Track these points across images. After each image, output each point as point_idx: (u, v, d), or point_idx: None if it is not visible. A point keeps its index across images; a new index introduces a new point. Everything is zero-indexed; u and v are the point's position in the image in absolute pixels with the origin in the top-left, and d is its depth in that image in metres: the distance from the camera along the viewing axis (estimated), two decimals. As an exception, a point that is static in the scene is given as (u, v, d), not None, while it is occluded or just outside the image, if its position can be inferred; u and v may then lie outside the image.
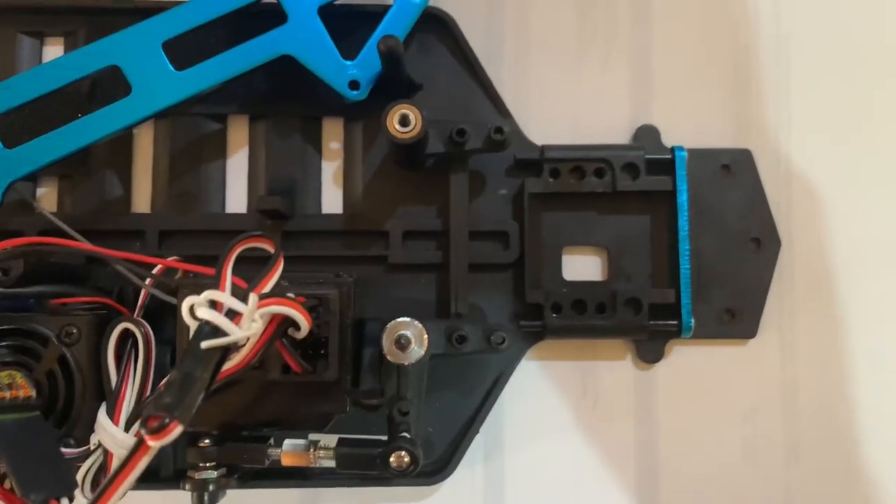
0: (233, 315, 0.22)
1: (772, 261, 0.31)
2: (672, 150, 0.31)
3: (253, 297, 0.22)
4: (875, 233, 0.31)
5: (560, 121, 0.32)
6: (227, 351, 0.22)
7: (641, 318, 0.30)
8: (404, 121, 0.27)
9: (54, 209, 0.31)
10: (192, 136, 0.31)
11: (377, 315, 0.30)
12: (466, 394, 0.30)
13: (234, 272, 0.23)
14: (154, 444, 0.20)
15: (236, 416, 0.27)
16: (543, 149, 0.31)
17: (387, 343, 0.26)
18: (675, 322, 0.30)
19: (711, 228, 0.31)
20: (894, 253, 0.31)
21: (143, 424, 0.20)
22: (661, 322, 0.30)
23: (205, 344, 0.21)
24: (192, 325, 0.22)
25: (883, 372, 0.31)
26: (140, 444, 0.21)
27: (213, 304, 0.22)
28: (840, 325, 0.31)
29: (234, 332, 0.21)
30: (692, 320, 0.30)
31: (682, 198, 0.30)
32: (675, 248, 0.31)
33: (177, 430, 0.20)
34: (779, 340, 0.31)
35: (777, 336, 0.31)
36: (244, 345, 0.23)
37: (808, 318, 0.31)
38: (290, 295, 0.24)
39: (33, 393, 0.25)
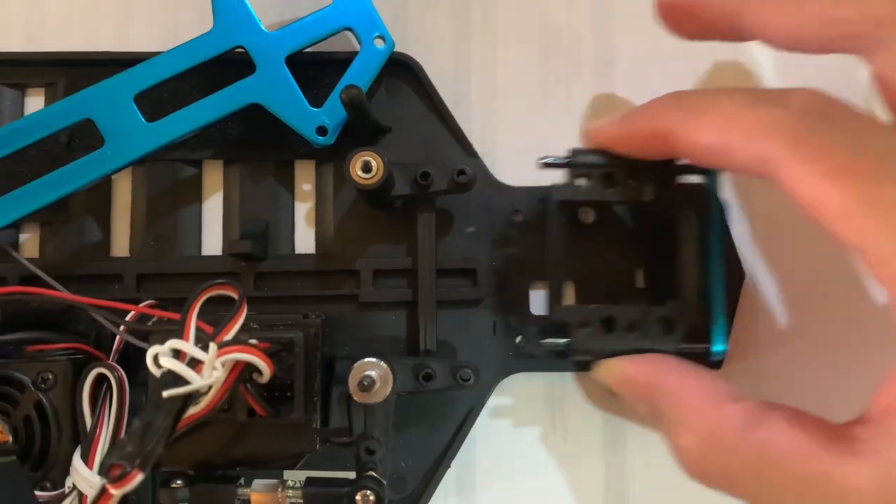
0: (195, 363, 0.23)
1: (736, 290, 0.31)
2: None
3: (213, 347, 0.23)
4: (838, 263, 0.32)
5: (526, 160, 0.32)
6: (188, 398, 0.22)
7: (674, 338, 0.27)
8: (366, 167, 0.28)
9: (36, 254, 0.32)
10: (168, 181, 0.32)
11: (349, 352, 0.31)
12: (438, 428, 0.31)
13: (213, 310, 0.24)
14: (116, 491, 0.21)
15: (209, 456, 0.27)
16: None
17: (352, 384, 0.27)
18: (705, 345, 0.28)
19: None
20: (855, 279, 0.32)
21: (105, 473, 0.21)
22: (693, 344, 0.28)
23: (166, 393, 0.22)
24: (157, 373, 0.23)
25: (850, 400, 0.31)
26: (103, 492, 0.22)
27: (177, 353, 0.23)
28: (805, 353, 0.31)
29: (196, 381, 0.22)
30: (726, 345, 0.28)
31: (717, 218, 0.29)
32: (706, 269, 0.29)
33: (138, 478, 0.21)
34: (745, 371, 0.31)
35: (743, 366, 0.31)
36: (208, 391, 0.24)
37: (774, 349, 0.32)
38: (253, 341, 0.24)
39: (10, 438, 0.26)
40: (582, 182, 0.28)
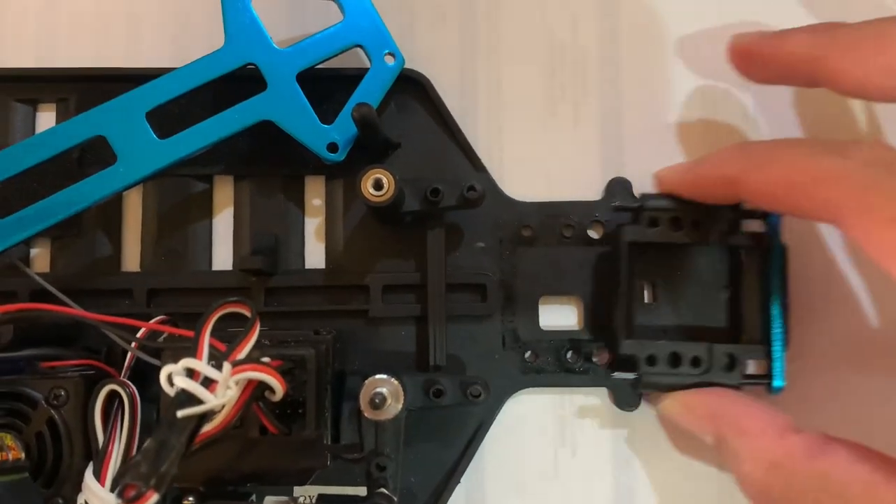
0: (209, 382, 0.23)
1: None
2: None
3: (227, 366, 0.23)
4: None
5: (534, 175, 0.33)
6: (203, 418, 0.23)
7: (735, 374, 0.29)
8: (378, 185, 0.28)
9: (47, 269, 0.32)
10: (179, 196, 0.32)
11: (359, 367, 0.31)
12: (448, 444, 0.31)
13: (224, 327, 0.24)
14: (131, 511, 0.21)
15: (220, 472, 0.27)
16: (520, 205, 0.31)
17: (363, 401, 0.27)
18: (766, 380, 0.29)
19: (687, 280, 0.31)
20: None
21: (120, 494, 0.21)
22: (755, 380, 0.30)
23: (181, 413, 0.22)
24: (171, 392, 0.23)
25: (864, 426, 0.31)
26: (118, 512, 0.22)
27: (191, 372, 0.23)
28: (857, 384, 0.31)
29: (210, 400, 0.22)
30: (783, 381, 0.29)
31: (778, 256, 0.30)
32: (767, 307, 0.30)
33: (153, 499, 0.21)
34: (800, 400, 0.31)
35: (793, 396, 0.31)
36: (221, 410, 0.24)
37: (825, 377, 0.31)
38: (265, 360, 0.25)
39: (22, 455, 0.26)
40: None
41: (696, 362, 0.29)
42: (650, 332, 0.31)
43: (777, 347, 0.29)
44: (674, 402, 0.29)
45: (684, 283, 0.31)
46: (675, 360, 0.29)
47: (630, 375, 0.30)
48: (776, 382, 0.29)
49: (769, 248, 0.30)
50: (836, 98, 0.27)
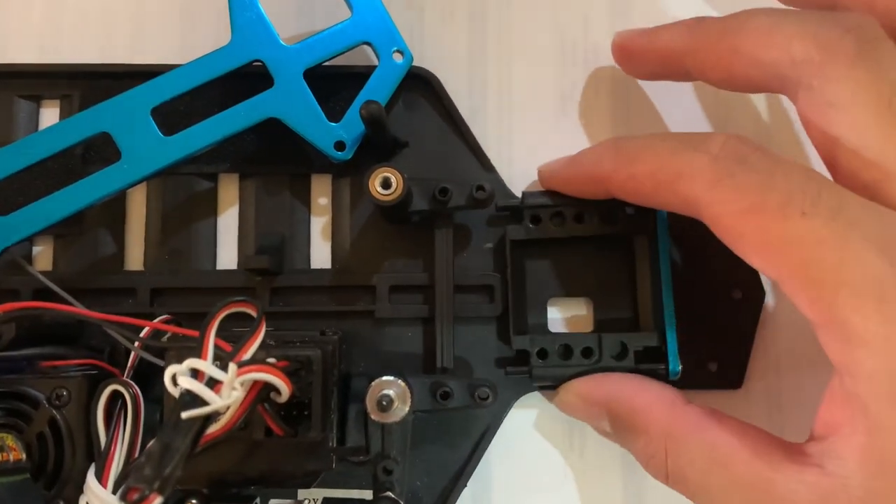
0: (214, 383, 0.22)
1: (756, 310, 0.31)
2: None
3: (232, 367, 0.22)
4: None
5: (544, 174, 0.32)
6: (208, 419, 0.22)
7: (627, 362, 0.29)
8: (386, 184, 0.28)
9: (50, 267, 0.32)
10: (183, 194, 0.32)
11: (365, 369, 0.31)
12: (454, 446, 0.31)
13: (228, 326, 0.24)
14: (134, 515, 0.20)
15: (224, 474, 0.27)
16: (524, 195, 0.31)
17: (370, 403, 0.27)
18: (662, 366, 0.30)
19: (694, 277, 0.31)
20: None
21: (123, 497, 0.20)
22: (648, 365, 0.30)
23: (185, 414, 0.22)
24: (175, 393, 0.23)
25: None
26: (121, 515, 0.21)
27: (195, 373, 0.22)
28: (826, 374, 0.31)
29: (215, 402, 0.22)
30: (679, 364, 0.29)
31: (664, 242, 0.30)
32: (659, 293, 0.30)
33: (157, 502, 0.20)
34: (765, 391, 0.31)
35: (763, 386, 0.31)
36: (226, 411, 0.23)
37: (793, 368, 0.31)
38: (271, 360, 0.24)
39: (23, 455, 0.26)
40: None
41: (587, 353, 0.29)
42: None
43: (669, 332, 0.29)
44: (567, 393, 0.29)
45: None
46: (566, 352, 0.30)
47: (522, 369, 0.30)
48: (672, 367, 0.29)
49: (655, 231, 0.30)
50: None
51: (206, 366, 0.22)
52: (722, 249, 0.30)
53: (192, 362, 0.22)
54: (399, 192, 0.27)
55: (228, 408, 0.23)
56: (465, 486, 0.30)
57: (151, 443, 0.22)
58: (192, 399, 0.22)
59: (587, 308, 0.32)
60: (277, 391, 0.24)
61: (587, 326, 0.32)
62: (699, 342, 0.31)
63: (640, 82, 0.33)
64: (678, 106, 0.33)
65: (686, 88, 0.33)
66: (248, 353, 0.23)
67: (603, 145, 0.28)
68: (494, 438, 0.31)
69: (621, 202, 0.29)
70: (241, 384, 0.23)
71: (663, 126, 0.33)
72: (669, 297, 0.30)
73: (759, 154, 0.23)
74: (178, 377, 0.22)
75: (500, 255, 0.31)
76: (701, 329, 0.31)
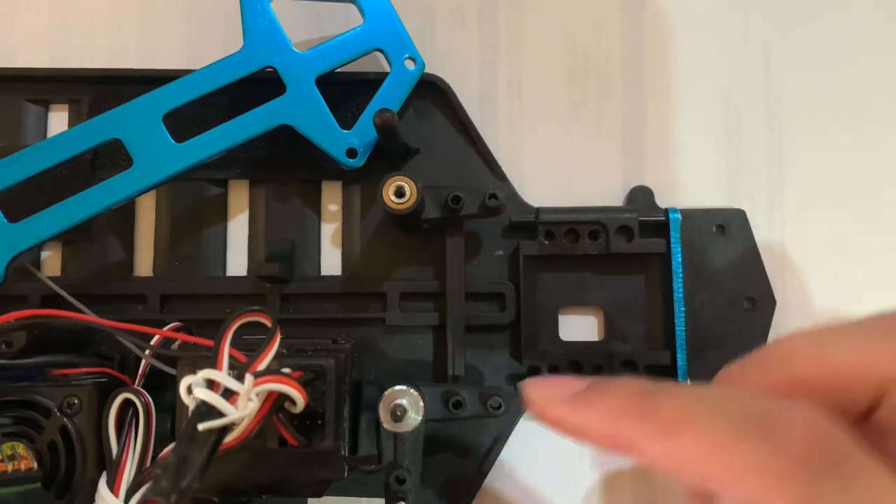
0: (229, 394, 0.22)
1: (767, 321, 0.31)
2: (666, 211, 0.31)
3: (249, 377, 0.22)
4: (866, 291, 0.31)
5: (555, 183, 0.32)
6: (224, 431, 0.22)
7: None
8: (399, 192, 0.27)
9: (58, 273, 0.32)
10: (193, 200, 0.32)
11: (376, 376, 0.31)
12: (465, 455, 0.31)
13: (238, 334, 0.23)
14: (151, 527, 0.20)
15: (235, 483, 0.27)
16: (539, 211, 0.31)
17: (383, 413, 0.26)
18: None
19: (706, 289, 0.31)
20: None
21: (140, 509, 0.20)
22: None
23: (202, 426, 0.21)
24: (190, 404, 0.22)
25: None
26: (137, 527, 0.21)
27: (210, 384, 0.22)
28: None
29: (231, 413, 0.22)
30: (688, 381, 0.30)
31: (677, 259, 0.31)
32: (671, 309, 0.31)
33: (174, 514, 0.20)
34: None
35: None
36: (241, 422, 0.23)
37: None
38: (286, 370, 0.24)
39: (35, 464, 0.25)
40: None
41: (597, 369, 0.30)
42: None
43: (680, 350, 0.30)
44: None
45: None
46: (576, 368, 0.31)
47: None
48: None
49: (668, 252, 0.31)
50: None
51: (222, 377, 0.22)
52: (732, 261, 0.31)
53: (207, 373, 0.22)
54: (412, 200, 0.27)
55: (244, 419, 0.23)
56: (476, 495, 0.30)
57: (168, 455, 0.21)
58: (207, 410, 0.22)
59: (598, 319, 0.32)
60: (292, 401, 0.24)
61: (598, 336, 0.32)
62: (709, 356, 0.31)
63: (655, 90, 0.33)
64: (692, 114, 0.33)
65: (700, 97, 0.32)
66: (263, 364, 0.23)
67: (626, 397, 0.19)
68: (505, 447, 0.31)
69: (636, 223, 0.29)
70: (257, 395, 0.23)
71: (675, 128, 0.32)
72: (681, 318, 0.30)
73: (852, 448, 0.16)
74: (194, 388, 0.22)
75: (512, 263, 0.31)
76: (712, 340, 0.31)
